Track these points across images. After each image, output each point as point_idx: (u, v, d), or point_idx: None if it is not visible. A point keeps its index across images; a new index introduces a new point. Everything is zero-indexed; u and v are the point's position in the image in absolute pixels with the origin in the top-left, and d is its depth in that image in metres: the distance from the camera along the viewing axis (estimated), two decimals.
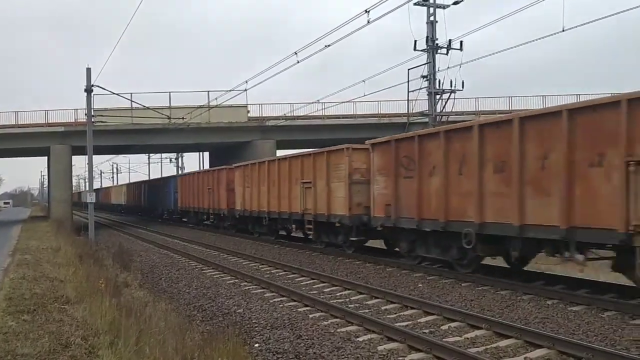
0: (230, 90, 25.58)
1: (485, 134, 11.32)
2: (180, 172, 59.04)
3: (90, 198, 23.98)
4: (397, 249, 15.40)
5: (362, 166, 16.26)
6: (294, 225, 20.76)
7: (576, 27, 14.63)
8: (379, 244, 17.65)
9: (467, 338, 7.74)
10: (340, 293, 11.32)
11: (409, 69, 22.25)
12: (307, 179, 18.91)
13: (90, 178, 24.94)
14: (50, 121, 34.97)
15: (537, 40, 17.72)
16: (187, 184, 35.08)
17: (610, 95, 12.02)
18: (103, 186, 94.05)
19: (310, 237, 19.40)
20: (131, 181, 68.61)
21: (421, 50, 21.76)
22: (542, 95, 35.58)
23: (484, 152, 11.32)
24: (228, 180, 27.19)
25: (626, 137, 8.70)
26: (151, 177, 61.45)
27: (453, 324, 8.45)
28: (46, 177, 58.85)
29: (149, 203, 47.64)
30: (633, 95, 8.79)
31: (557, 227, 9.68)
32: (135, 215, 52.88)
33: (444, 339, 7.62)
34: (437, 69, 21.68)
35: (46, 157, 42.37)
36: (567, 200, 9.54)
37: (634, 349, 7.02)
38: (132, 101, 27.79)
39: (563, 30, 14.64)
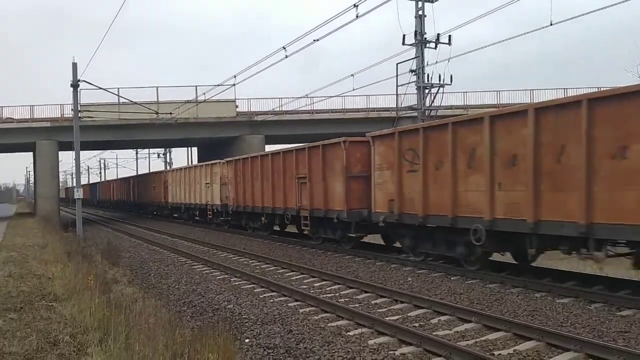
0: (218, 85, 25.47)
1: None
2: (168, 167, 58.78)
3: (78, 194, 23.78)
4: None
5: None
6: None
7: (563, 21, 14.68)
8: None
9: (457, 331, 7.79)
10: (330, 287, 11.34)
11: (397, 64, 22.28)
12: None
13: (78, 174, 24.69)
14: (35, 116, 34.58)
15: (524, 34, 17.76)
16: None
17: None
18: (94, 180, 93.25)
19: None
20: (121, 176, 67.87)
21: (410, 45, 21.77)
22: (530, 90, 35.81)
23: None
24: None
25: None
26: (144, 172, 60.46)
27: (443, 318, 8.50)
28: (32, 173, 58.22)
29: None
30: None
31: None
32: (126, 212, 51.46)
33: (434, 333, 7.66)
34: (425, 63, 21.73)
35: (32, 153, 41.92)
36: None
37: (620, 340, 7.10)
38: (119, 96, 27.53)
39: (551, 25, 14.68)
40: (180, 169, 35.26)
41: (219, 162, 27.25)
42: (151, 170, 58.02)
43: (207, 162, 29.27)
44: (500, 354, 6.69)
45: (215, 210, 27.43)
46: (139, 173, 58.09)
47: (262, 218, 21.93)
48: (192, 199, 31.01)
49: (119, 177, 70.66)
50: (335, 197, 16.51)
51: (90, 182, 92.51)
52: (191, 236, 23.64)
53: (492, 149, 10.85)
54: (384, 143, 14.43)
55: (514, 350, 6.83)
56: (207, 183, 28.65)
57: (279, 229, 22.67)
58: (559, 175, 9.65)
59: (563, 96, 31.41)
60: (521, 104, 31.76)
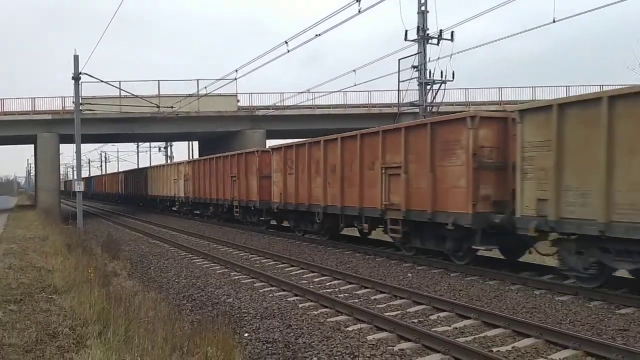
0: (219, 79, 25.42)
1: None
2: (170, 160, 58.81)
3: (79, 187, 23.79)
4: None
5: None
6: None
7: (567, 18, 14.63)
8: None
9: (456, 328, 7.80)
10: (330, 283, 11.35)
11: (399, 59, 22.21)
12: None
13: (78, 166, 24.70)
14: (37, 109, 34.54)
15: (527, 31, 17.70)
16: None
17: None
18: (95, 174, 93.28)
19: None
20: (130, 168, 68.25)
21: (412, 41, 21.70)
22: (532, 87, 35.76)
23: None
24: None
25: None
26: (131, 168, 61.99)
27: (442, 314, 8.50)
28: (33, 165, 58.23)
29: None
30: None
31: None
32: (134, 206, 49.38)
33: (432, 329, 7.67)
34: (427, 59, 21.66)
35: (33, 145, 41.90)
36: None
37: (619, 337, 7.11)
38: (120, 89, 27.53)
39: (554, 21, 14.63)
40: (157, 166, 42.22)
41: (185, 162, 33.91)
42: (151, 165, 58.26)
43: (175, 162, 34.02)
44: (498, 351, 6.70)
45: (181, 201, 33.64)
46: (128, 169, 62.82)
47: (210, 207, 28.66)
48: (165, 191, 37.01)
49: (112, 171, 77.61)
50: (253, 191, 22.90)
51: (85, 176, 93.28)
52: (176, 226, 23.66)
53: (325, 161, 17.01)
54: (278, 154, 20.27)
55: (513, 347, 6.83)
56: (174, 179, 34.44)
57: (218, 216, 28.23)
58: (350, 179, 15.73)
59: (565, 95, 31.32)
60: (524, 101, 31.72)
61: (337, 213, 16.49)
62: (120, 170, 64.65)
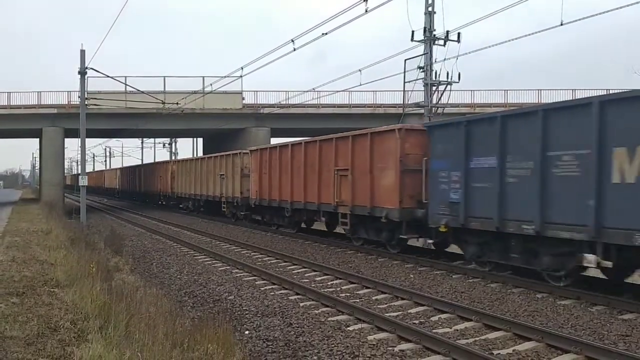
0: (225, 77, 25.46)
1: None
2: (174, 157, 58.92)
3: (83, 181, 23.85)
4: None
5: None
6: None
7: (575, 21, 14.58)
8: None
9: (457, 330, 7.78)
10: (332, 282, 11.35)
11: (405, 60, 22.15)
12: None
13: (83, 161, 24.77)
14: (42, 103, 34.65)
15: (534, 34, 17.64)
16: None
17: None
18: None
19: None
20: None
21: (418, 41, 21.64)
22: (538, 89, 35.64)
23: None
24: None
25: None
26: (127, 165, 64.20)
27: (443, 316, 8.49)
28: (38, 159, 58.50)
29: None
30: None
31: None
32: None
33: (433, 330, 7.66)
34: (434, 60, 21.61)
35: (38, 139, 42.04)
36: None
37: (621, 343, 7.08)
38: (126, 84, 27.54)
39: (561, 24, 14.58)
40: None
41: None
42: (156, 161, 58.89)
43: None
44: (499, 354, 6.68)
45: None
46: (124, 166, 67.04)
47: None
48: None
49: (109, 168, 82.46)
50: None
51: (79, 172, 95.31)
52: (165, 218, 23.70)
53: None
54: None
55: (514, 350, 6.81)
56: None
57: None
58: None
59: (571, 97, 31.18)
60: (531, 104, 31.58)
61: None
62: (128, 164, 64.66)
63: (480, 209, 11.15)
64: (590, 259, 9.11)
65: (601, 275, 10.32)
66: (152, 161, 58.53)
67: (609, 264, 9.04)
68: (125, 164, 72.44)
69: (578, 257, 9.36)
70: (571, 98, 29.88)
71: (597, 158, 8.88)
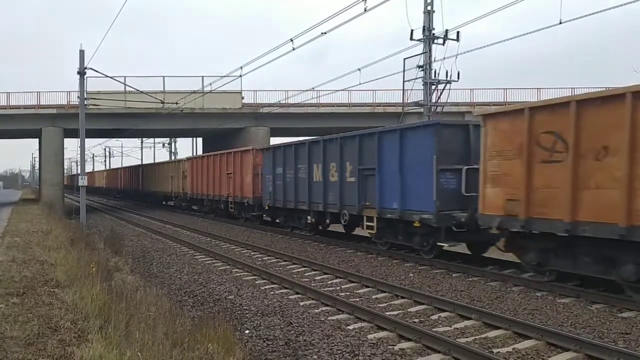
0: (224, 76, 25.46)
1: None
2: (173, 157, 58.94)
3: (82, 181, 23.86)
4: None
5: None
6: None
7: (573, 19, 14.59)
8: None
9: (457, 328, 7.79)
10: (332, 281, 11.35)
11: (404, 59, 22.18)
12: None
13: (82, 161, 24.78)
14: (42, 103, 34.63)
15: (533, 32, 17.65)
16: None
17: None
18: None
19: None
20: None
21: (417, 40, 21.68)
22: (537, 88, 35.62)
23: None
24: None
25: None
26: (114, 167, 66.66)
27: (443, 314, 8.50)
28: (37, 159, 58.54)
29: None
30: None
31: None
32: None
33: (433, 329, 7.67)
34: (433, 59, 21.62)
35: (37, 139, 42.00)
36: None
37: (621, 341, 7.09)
38: (125, 84, 27.54)
39: (560, 23, 14.58)
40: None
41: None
42: (156, 161, 58.92)
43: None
44: (499, 352, 6.69)
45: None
46: (111, 168, 75.56)
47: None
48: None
49: (102, 169, 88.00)
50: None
51: (73, 173, 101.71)
52: (196, 227, 23.69)
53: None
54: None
55: (513, 349, 6.82)
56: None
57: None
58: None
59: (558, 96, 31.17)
60: (523, 102, 31.56)
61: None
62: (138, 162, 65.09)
63: (280, 196, 19.95)
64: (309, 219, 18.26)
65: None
66: (160, 160, 57.28)
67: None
68: (126, 164, 72.61)
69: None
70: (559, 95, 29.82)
71: (308, 168, 18.01)
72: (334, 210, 16.77)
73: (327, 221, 17.94)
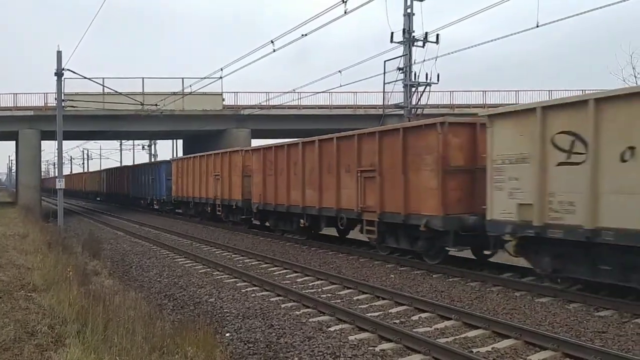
0: (205, 78, 25.32)
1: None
2: (153, 159, 58.35)
3: (60, 184, 23.52)
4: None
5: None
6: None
7: (550, 23, 14.82)
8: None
9: (437, 328, 7.85)
10: (313, 283, 11.35)
11: (385, 61, 22.28)
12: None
13: (60, 164, 24.41)
14: (19, 105, 34.05)
15: (510, 35, 17.84)
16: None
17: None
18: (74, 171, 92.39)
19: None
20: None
21: (398, 43, 21.78)
22: (516, 90, 36.08)
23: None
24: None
25: None
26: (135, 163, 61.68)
27: (423, 315, 8.55)
28: (14, 161, 57.56)
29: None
30: None
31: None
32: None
33: (414, 329, 7.71)
34: (413, 62, 21.76)
35: (14, 142, 41.28)
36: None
37: (597, 340, 7.20)
38: (104, 86, 27.20)
39: (537, 26, 14.81)
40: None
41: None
42: (135, 163, 58.25)
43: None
44: (478, 352, 6.75)
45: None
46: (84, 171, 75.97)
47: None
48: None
49: (76, 172, 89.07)
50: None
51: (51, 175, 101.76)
52: (177, 229, 23.51)
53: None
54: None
55: (492, 348, 6.90)
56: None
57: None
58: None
59: (548, 98, 31.64)
60: (507, 104, 31.94)
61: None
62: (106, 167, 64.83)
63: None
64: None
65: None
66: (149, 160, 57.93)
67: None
68: (105, 167, 71.74)
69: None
70: (548, 98, 30.26)
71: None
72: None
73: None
